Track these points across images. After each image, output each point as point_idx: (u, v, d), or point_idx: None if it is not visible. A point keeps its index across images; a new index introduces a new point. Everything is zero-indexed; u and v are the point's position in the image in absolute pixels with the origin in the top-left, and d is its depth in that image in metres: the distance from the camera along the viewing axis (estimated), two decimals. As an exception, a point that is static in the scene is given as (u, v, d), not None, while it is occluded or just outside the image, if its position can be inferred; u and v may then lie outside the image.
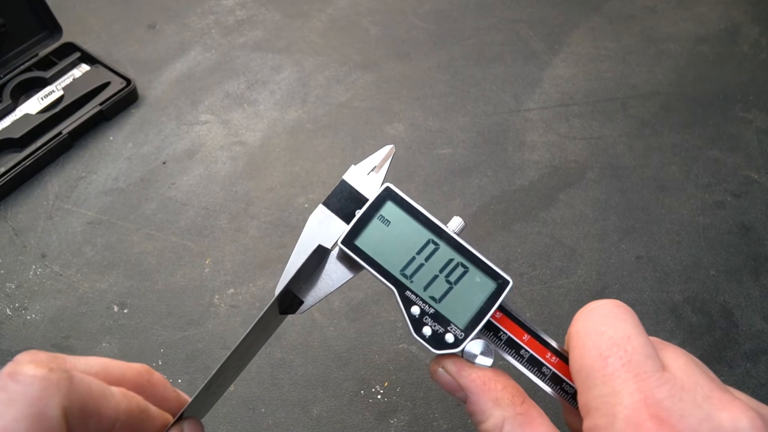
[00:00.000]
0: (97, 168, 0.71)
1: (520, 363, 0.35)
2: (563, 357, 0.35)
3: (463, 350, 0.34)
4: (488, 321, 0.34)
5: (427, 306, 0.34)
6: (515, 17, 0.88)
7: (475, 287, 0.34)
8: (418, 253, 0.35)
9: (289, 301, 0.36)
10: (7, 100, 0.73)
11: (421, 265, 0.35)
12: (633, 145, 0.73)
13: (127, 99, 0.76)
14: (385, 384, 0.55)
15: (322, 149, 0.73)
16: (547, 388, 0.35)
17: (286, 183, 0.69)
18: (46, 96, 0.74)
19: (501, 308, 0.35)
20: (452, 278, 0.35)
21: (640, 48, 0.84)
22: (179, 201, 0.68)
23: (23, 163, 0.68)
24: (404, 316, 0.34)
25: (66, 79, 0.76)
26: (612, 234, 0.65)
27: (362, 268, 0.35)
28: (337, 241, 0.35)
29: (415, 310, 0.34)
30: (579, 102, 0.78)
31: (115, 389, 0.29)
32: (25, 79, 0.75)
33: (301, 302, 0.36)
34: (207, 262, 0.63)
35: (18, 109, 0.73)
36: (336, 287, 0.36)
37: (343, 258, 0.36)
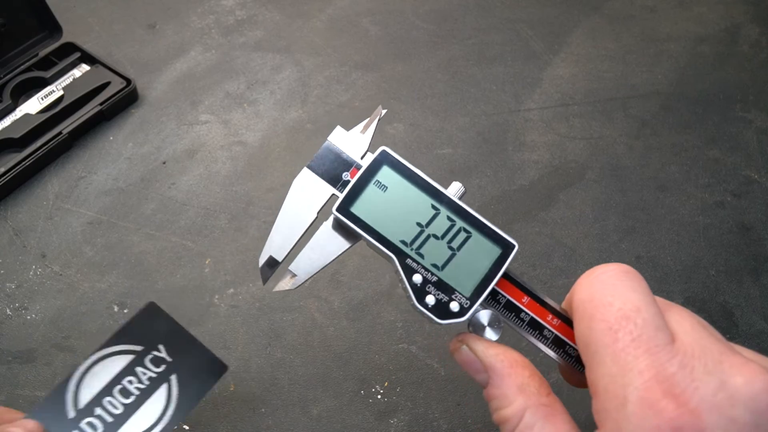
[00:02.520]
0: (97, 168, 0.71)
1: (520, 327, 0.33)
2: (564, 318, 0.33)
3: (469, 321, 0.33)
4: (494, 289, 0.33)
5: (429, 274, 0.32)
6: (515, 17, 0.88)
7: (480, 253, 0.33)
8: (418, 219, 0.33)
9: (270, 273, 0.33)
10: (7, 100, 0.73)
11: (422, 231, 0.33)
12: (633, 145, 0.73)
13: (127, 99, 0.76)
14: (385, 384, 0.55)
15: (322, 149, 0.73)
16: (550, 352, 0.33)
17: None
18: (46, 96, 0.74)
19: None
20: (455, 244, 0.33)
21: (640, 48, 0.84)
22: (179, 201, 0.68)
23: (23, 163, 0.68)
24: (406, 286, 0.32)
25: (66, 79, 0.76)
26: (612, 234, 0.65)
27: (360, 236, 0.33)
28: (331, 209, 0.33)
29: (417, 278, 0.32)
30: (579, 102, 0.78)
31: None
32: (25, 79, 0.75)
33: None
34: (207, 262, 0.63)
35: (18, 109, 0.73)
36: (333, 258, 0.34)
37: (338, 227, 0.34)
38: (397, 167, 0.33)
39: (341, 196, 0.33)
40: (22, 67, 0.76)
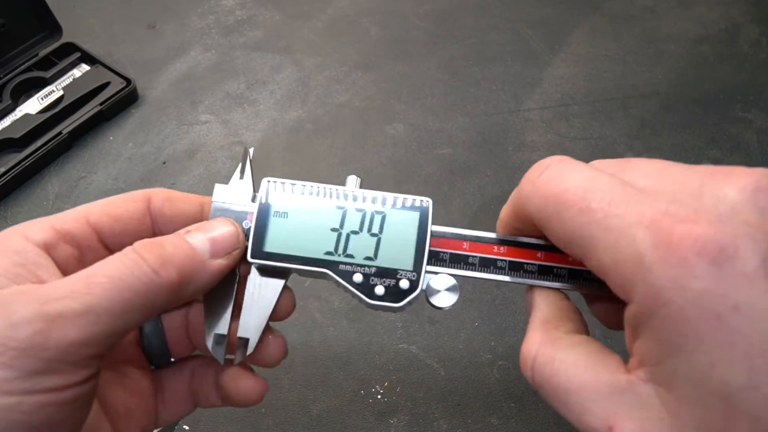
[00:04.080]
0: (97, 168, 0.71)
1: (474, 271, 0.33)
2: (509, 242, 0.33)
3: (425, 290, 0.32)
4: (431, 249, 0.32)
5: (366, 268, 0.32)
6: (515, 17, 0.88)
7: (401, 225, 0.33)
8: (331, 225, 0.33)
9: (223, 349, 0.32)
10: (7, 100, 0.73)
11: (340, 234, 0.32)
12: (633, 145, 0.73)
13: (127, 99, 0.76)
14: (385, 384, 0.55)
15: (322, 149, 0.73)
16: (505, 278, 0.32)
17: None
18: (46, 96, 0.74)
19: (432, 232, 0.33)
20: (375, 230, 0.33)
21: (640, 48, 0.84)
22: (179, 201, 0.68)
23: (23, 163, 0.68)
24: (351, 290, 0.32)
25: (66, 79, 0.76)
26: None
27: (287, 270, 0.33)
28: (247, 260, 0.32)
29: (358, 277, 0.32)
30: (579, 102, 0.78)
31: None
32: (25, 79, 0.75)
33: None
34: (207, 262, 0.63)
35: (18, 109, 0.73)
36: (274, 304, 0.33)
37: (264, 272, 0.33)
38: (286, 190, 0.33)
39: (249, 243, 0.32)
40: (22, 67, 0.76)
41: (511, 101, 0.78)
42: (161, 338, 0.35)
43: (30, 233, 0.28)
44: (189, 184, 0.69)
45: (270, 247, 0.32)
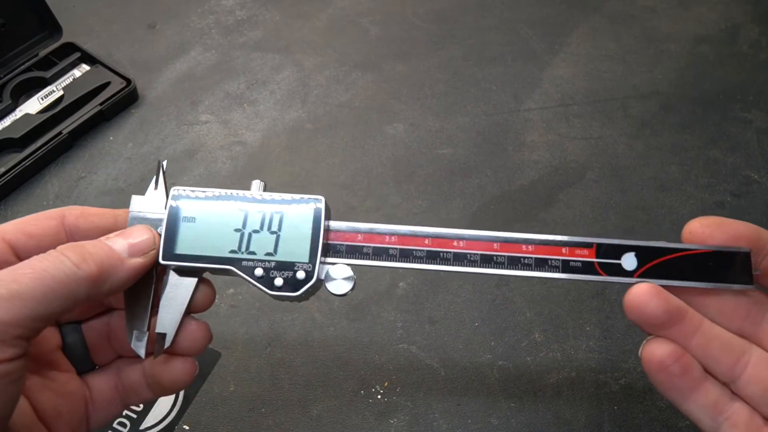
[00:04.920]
0: (97, 168, 0.71)
1: (367, 259, 0.36)
2: (402, 233, 0.36)
3: (322, 279, 0.35)
4: (325, 243, 0.36)
5: (267, 263, 0.35)
6: (515, 17, 0.88)
7: (297, 222, 0.36)
8: (234, 226, 0.36)
9: (142, 344, 0.35)
10: (7, 100, 0.73)
11: (242, 233, 0.36)
12: (633, 145, 0.73)
13: (127, 99, 0.76)
14: (385, 384, 0.55)
15: (322, 149, 0.73)
16: (396, 264, 0.36)
17: (286, 183, 0.70)
18: (46, 96, 0.74)
19: (328, 228, 0.36)
20: (274, 228, 0.36)
21: (640, 48, 0.84)
22: (179, 201, 0.68)
23: (23, 163, 0.68)
24: (253, 283, 0.35)
25: (66, 79, 0.76)
26: (612, 234, 0.65)
27: (197, 269, 0.35)
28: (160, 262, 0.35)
29: (259, 271, 0.35)
30: (579, 102, 0.78)
31: None
32: (25, 79, 0.75)
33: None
34: (207, 262, 0.63)
35: (18, 109, 0.73)
36: (187, 300, 0.35)
37: (179, 273, 0.36)
38: (193, 197, 0.36)
39: (160, 246, 0.35)
40: (22, 67, 0.76)
41: (511, 101, 0.78)
42: (82, 345, 0.37)
43: None
44: (189, 184, 0.69)
45: (180, 249, 0.35)
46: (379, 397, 0.55)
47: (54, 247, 0.31)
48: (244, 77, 0.80)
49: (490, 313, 0.59)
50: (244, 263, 0.35)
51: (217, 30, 0.86)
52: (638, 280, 0.35)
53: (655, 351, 0.33)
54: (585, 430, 0.53)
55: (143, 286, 0.35)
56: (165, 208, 0.36)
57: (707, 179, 0.70)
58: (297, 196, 0.36)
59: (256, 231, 0.36)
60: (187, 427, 0.53)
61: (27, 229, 0.34)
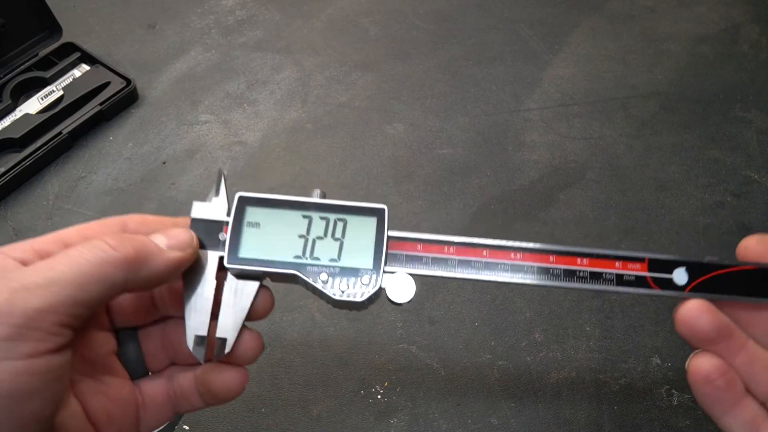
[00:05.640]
0: (97, 168, 0.71)
1: (429, 268, 0.36)
2: (460, 244, 0.36)
3: (384, 288, 0.36)
4: (388, 251, 0.36)
5: (331, 269, 0.36)
6: (515, 17, 0.88)
7: (361, 230, 0.36)
8: (298, 232, 0.36)
9: (203, 349, 0.35)
10: (7, 100, 0.73)
11: (306, 239, 0.36)
12: (633, 145, 0.73)
13: (127, 99, 0.76)
14: (385, 384, 0.55)
15: (322, 149, 0.73)
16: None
17: (286, 183, 0.70)
18: (46, 96, 0.74)
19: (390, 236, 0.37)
20: (338, 234, 0.36)
21: (640, 48, 0.84)
22: (179, 201, 0.68)
23: (23, 163, 0.68)
24: (318, 288, 0.35)
25: (66, 79, 0.76)
26: (612, 234, 0.65)
27: (260, 273, 0.36)
28: (224, 266, 0.35)
29: (324, 276, 0.36)
30: (579, 102, 0.78)
31: None
32: (25, 79, 0.75)
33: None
34: (207, 262, 0.63)
35: (18, 109, 0.73)
36: (250, 303, 0.36)
37: (241, 277, 0.36)
38: (258, 203, 0.37)
39: (225, 251, 0.35)
40: (22, 67, 0.76)
41: (511, 101, 0.78)
42: (138, 351, 0.37)
43: (8, 251, 0.30)
44: (189, 183, 0.69)
45: (243, 253, 0.36)
46: (379, 397, 0.55)
47: None
48: (244, 77, 0.80)
49: (490, 313, 0.59)
50: (309, 268, 0.36)
51: (217, 30, 0.86)
52: (690, 294, 0.36)
53: (703, 365, 0.34)
54: (585, 430, 0.53)
55: (203, 290, 0.35)
56: (228, 214, 0.37)
57: (707, 179, 0.70)
58: (359, 204, 0.37)
59: (320, 237, 0.36)
60: (187, 428, 0.53)
61: (89, 235, 0.33)
